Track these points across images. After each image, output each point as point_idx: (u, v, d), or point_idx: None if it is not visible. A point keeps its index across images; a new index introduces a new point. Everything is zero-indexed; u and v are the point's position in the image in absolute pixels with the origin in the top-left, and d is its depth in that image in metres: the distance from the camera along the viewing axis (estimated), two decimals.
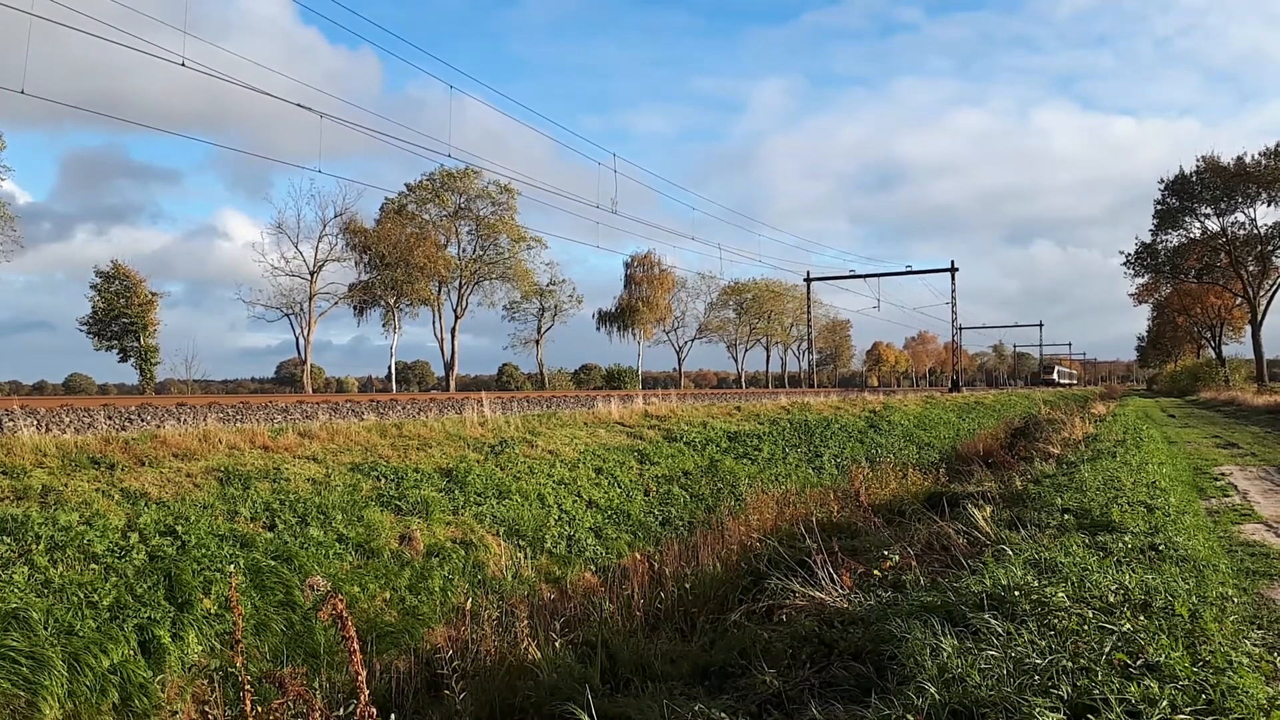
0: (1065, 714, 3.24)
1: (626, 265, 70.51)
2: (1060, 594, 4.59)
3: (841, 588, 6.28)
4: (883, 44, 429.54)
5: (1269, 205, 64.71)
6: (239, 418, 15.54)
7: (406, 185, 54.07)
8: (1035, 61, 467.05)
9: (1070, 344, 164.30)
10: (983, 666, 3.76)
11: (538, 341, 62.42)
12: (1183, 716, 3.15)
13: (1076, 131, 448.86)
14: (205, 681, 6.94)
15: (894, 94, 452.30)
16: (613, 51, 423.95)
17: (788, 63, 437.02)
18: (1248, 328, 72.07)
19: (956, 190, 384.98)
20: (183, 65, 17.61)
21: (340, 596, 4.19)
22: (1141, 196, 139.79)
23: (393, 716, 4.86)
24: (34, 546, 7.14)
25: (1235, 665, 3.64)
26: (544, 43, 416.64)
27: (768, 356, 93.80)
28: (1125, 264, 74.63)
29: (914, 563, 6.89)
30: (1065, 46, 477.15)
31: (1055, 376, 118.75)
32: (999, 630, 4.20)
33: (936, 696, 3.53)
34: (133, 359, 43.62)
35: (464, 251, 55.00)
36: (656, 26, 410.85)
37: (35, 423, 11.90)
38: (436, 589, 9.60)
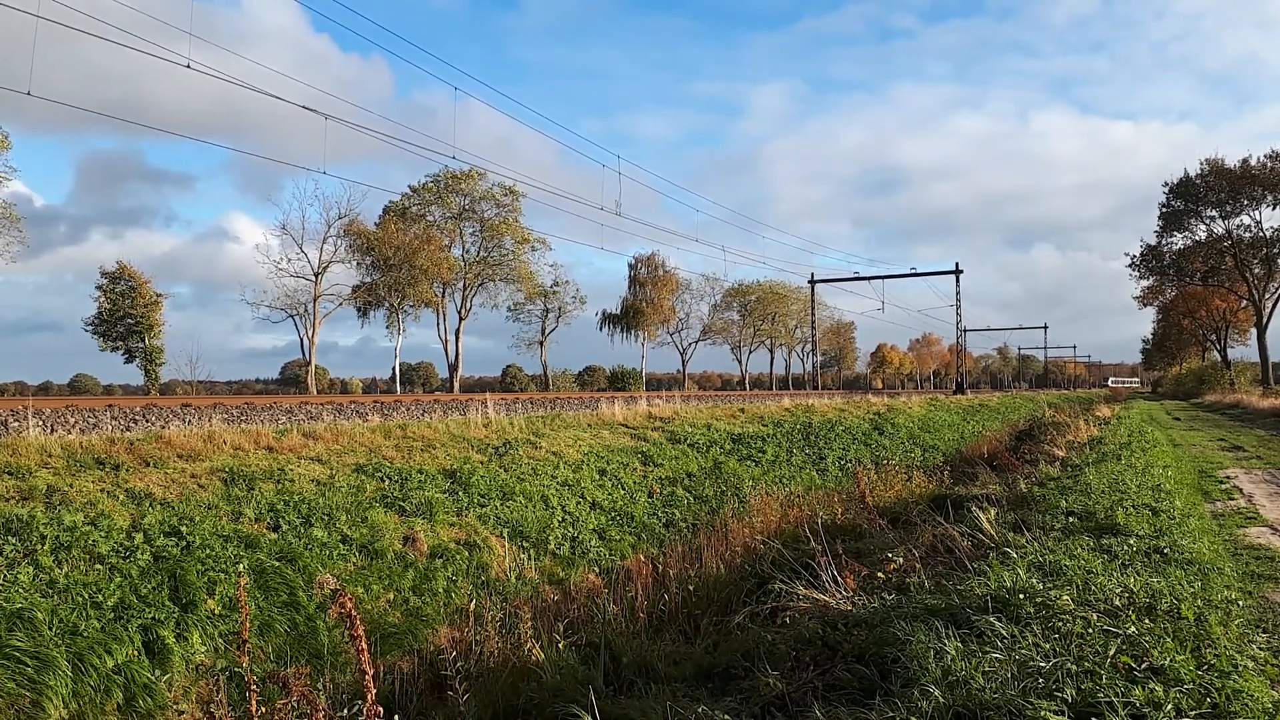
0: (1069, 717, 3.24)
1: (631, 267, 70.66)
2: (1065, 597, 4.58)
3: (845, 590, 6.27)
4: (880, 49, 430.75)
5: (1274, 208, 64.56)
6: (243, 419, 15.58)
7: (410, 187, 54.25)
8: (1032, 66, 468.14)
9: (1075, 346, 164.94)
10: (987, 669, 3.75)
11: (541, 343, 62.52)
12: None
13: (1075, 135, 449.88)
14: (209, 682, 6.95)
15: (893, 98, 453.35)
16: (613, 55, 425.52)
17: (787, 67, 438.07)
18: (1253, 331, 71.83)
19: (957, 193, 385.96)
20: (188, 67, 17.69)
21: (348, 594, 4.20)
22: (1141, 200, 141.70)
23: (396, 717, 4.86)
24: (39, 547, 7.17)
25: (1240, 669, 3.63)
26: (543, 47, 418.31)
27: (771, 358, 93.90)
28: (1130, 266, 74.54)
29: (918, 565, 6.88)
30: (1062, 51, 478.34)
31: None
32: (1003, 633, 4.19)
33: (940, 699, 3.53)
34: (138, 360, 43.78)
35: (468, 253, 55.11)
36: (656, 31, 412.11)
37: (41, 423, 11.94)
38: (440, 590, 9.61)
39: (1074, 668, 3.60)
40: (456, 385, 53.83)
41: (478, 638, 7.34)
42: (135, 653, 6.72)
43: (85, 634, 6.55)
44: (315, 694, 4.85)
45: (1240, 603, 5.05)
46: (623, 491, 14.39)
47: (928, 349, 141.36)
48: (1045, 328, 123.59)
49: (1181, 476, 12.22)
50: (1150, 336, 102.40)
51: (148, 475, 9.27)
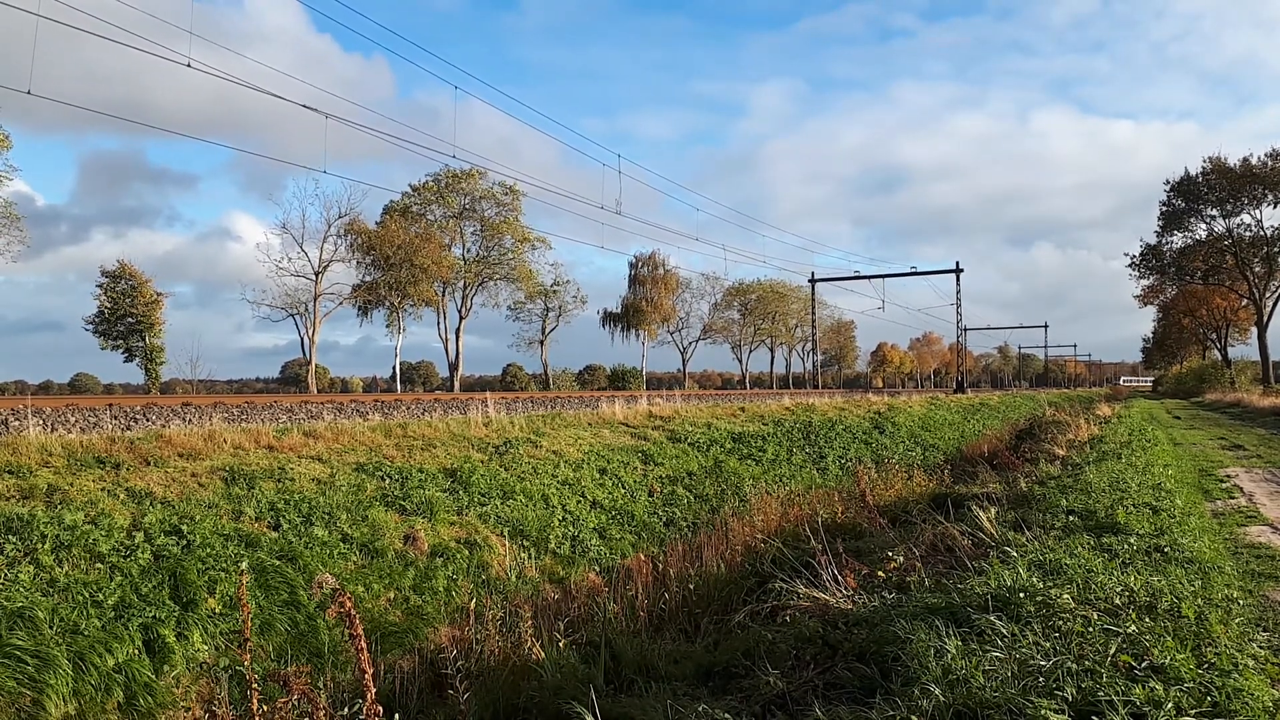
0: (1070, 716, 3.24)
1: (631, 265, 70.59)
2: (1065, 596, 4.58)
3: (846, 589, 6.27)
4: (880, 48, 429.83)
5: (1275, 207, 64.57)
6: (244, 418, 15.58)
7: (410, 186, 54.23)
8: (1033, 65, 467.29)
9: (1075, 345, 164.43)
10: (987, 668, 3.75)
11: (542, 342, 62.51)
12: (1188, 719, 3.14)
13: (1076, 135, 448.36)
14: (209, 680, 6.96)
15: (893, 97, 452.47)
16: (613, 55, 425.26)
17: (787, 67, 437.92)
18: (1253, 329, 71.84)
19: (957, 193, 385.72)
20: (188, 66, 17.70)
21: (347, 594, 4.20)
22: (1141, 199, 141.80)
23: (397, 716, 4.86)
24: (39, 546, 7.17)
25: (1241, 668, 3.63)
26: (544, 47, 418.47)
27: (772, 357, 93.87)
28: (1130, 265, 74.57)
29: (918, 564, 6.88)
30: (1062, 51, 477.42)
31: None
32: (1004, 632, 4.19)
33: (941, 698, 3.53)
34: (138, 359, 43.79)
35: (468, 252, 55.13)
36: (657, 31, 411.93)
37: (41, 422, 11.95)
38: (440, 589, 9.61)
39: (1074, 666, 3.60)
40: (457, 384, 53.84)
41: (478, 636, 7.34)
42: (136, 651, 6.72)
43: (86, 633, 6.55)
44: (315, 693, 4.86)
45: (1240, 601, 5.05)
46: (623, 490, 14.38)
47: (928, 348, 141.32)
48: (1045, 327, 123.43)
49: (1182, 475, 12.22)
50: (1151, 335, 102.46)
51: (148, 474, 9.27)
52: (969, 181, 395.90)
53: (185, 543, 8.03)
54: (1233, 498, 11.14)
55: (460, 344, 54.57)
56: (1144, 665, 3.59)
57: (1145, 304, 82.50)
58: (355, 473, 11.11)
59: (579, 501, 13.22)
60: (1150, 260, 73.35)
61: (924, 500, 12.17)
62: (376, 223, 50.18)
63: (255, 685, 4.46)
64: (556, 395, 33.85)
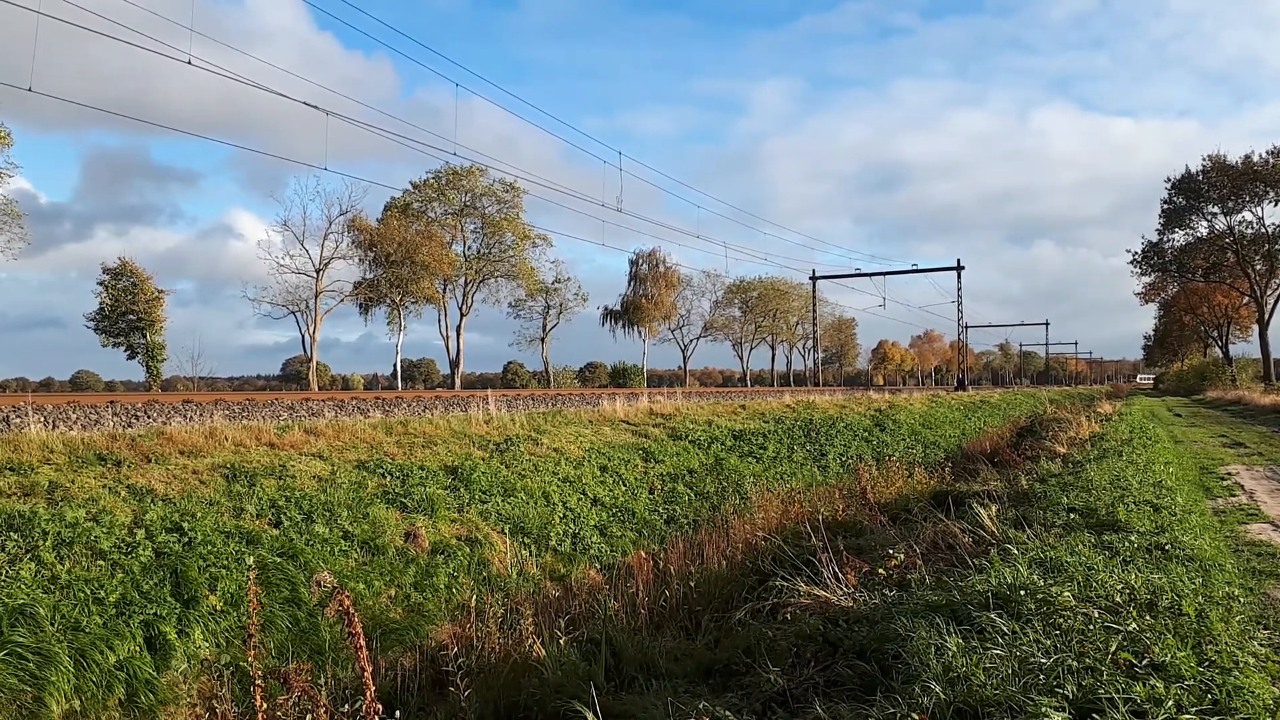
0: (1070, 713, 3.24)
1: (632, 262, 70.59)
2: (1066, 593, 4.58)
3: (846, 586, 6.27)
4: (880, 46, 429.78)
5: (1276, 204, 64.47)
6: (245, 415, 15.58)
7: (411, 183, 54.19)
8: (1032, 63, 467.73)
9: (1076, 343, 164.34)
10: (988, 665, 3.75)
11: (543, 339, 62.50)
12: (1188, 717, 3.14)
13: (1076, 132, 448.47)
14: (211, 677, 6.97)
15: (893, 95, 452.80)
16: (614, 54, 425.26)
17: (788, 65, 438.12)
18: (1255, 327, 71.78)
19: (958, 191, 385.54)
20: (189, 63, 17.68)
21: (346, 592, 4.20)
22: (1141, 197, 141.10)
23: (398, 714, 4.87)
24: (41, 543, 7.18)
25: (1241, 665, 3.63)
26: (544, 46, 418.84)
27: (773, 355, 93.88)
28: (1132, 263, 74.45)
29: (919, 561, 6.88)
30: (1061, 49, 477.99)
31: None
32: (1004, 629, 4.19)
33: (941, 695, 3.53)
34: (139, 356, 43.78)
35: (469, 249, 55.12)
36: (657, 30, 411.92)
37: (42, 419, 11.96)
38: (441, 586, 9.62)
39: (1075, 664, 3.60)
40: (458, 382, 53.85)
41: (479, 634, 7.34)
42: (137, 648, 6.73)
43: (87, 630, 6.56)
44: (316, 690, 4.87)
45: (1241, 599, 5.05)
46: (624, 488, 14.39)
47: (929, 345, 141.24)
48: (1047, 324, 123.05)
49: (1183, 473, 12.21)
50: (1152, 333, 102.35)
51: (149, 471, 9.28)
52: (969, 179, 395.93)
53: (186, 540, 8.04)
54: (1234, 495, 11.13)
55: (461, 341, 54.62)
56: (1144, 663, 3.59)
57: (1146, 301, 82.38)
58: (356, 470, 11.11)
59: (580, 499, 13.23)
60: (1151, 258, 73.25)
61: (925, 498, 12.15)
62: (377, 220, 50.21)
63: (260, 681, 4.46)
64: (557, 393, 33.83)
